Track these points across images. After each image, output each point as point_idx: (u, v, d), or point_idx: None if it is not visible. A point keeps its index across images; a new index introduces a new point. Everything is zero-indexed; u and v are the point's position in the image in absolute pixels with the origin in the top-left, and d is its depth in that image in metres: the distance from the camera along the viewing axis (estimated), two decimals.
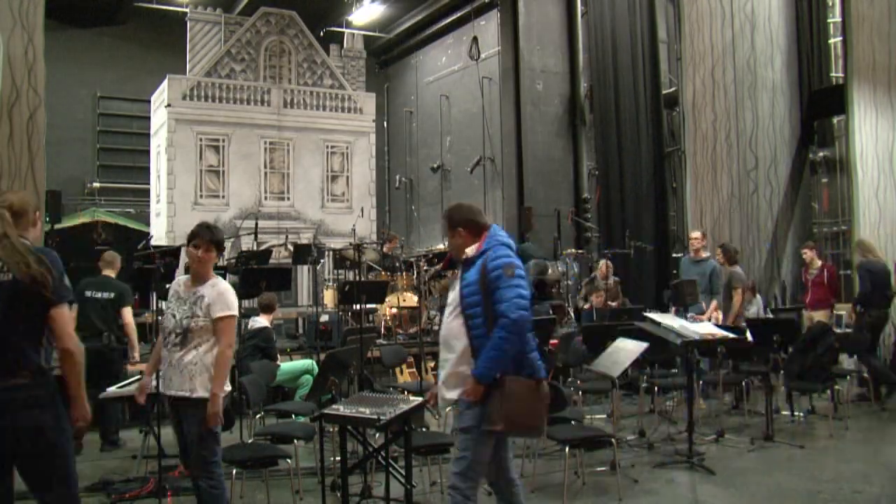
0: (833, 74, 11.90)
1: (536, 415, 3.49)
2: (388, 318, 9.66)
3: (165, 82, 14.25)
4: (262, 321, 7.03)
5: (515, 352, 3.42)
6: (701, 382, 7.51)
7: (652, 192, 12.23)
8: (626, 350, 5.52)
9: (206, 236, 3.88)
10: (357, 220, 14.23)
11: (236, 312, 3.87)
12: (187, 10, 14.68)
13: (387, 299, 9.46)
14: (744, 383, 7.61)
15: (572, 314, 10.74)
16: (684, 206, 11.00)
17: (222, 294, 3.83)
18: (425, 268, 9.70)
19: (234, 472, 4.59)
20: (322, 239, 14.34)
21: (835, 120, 12.08)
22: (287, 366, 7.29)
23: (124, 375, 6.19)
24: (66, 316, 2.95)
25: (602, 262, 9.89)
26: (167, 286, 4.28)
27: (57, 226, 9.13)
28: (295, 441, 4.90)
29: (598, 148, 13.34)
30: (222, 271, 9.36)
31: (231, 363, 3.96)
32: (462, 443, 3.51)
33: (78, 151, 16.53)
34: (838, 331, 8.01)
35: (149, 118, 15.78)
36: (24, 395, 2.85)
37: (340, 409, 3.81)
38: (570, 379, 7.64)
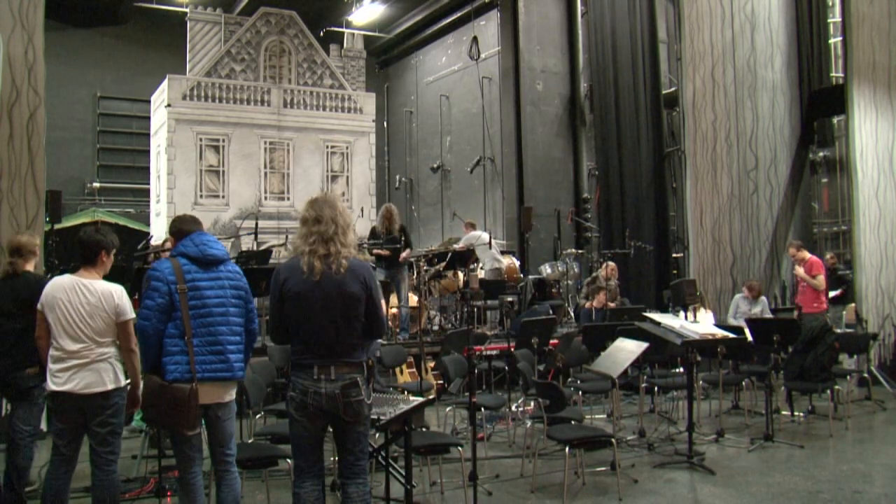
0: (833, 74, 11.91)
1: None
2: (387, 318, 9.64)
3: (165, 82, 14.24)
4: None
5: None
6: (701, 382, 7.52)
7: (652, 192, 12.22)
8: (626, 350, 5.51)
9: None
10: (357, 220, 14.23)
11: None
12: (187, 10, 14.67)
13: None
14: (744, 383, 7.62)
15: (572, 314, 10.75)
16: (684, 206, 10.99)
17: None
18: (425, 268, 9.69)
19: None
20: None
21: (835, 120, 12.09)
22: None
23: None
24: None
25: (607, 264, 9.87)
26: None
27: (57, 226, 9.12)
28: None
29: (598, 148, 13.33)
30: None
31: None
32: None
33: (78, 151, 16.53)
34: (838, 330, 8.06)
35: (149, 118, 15.78)
36: None
37: None
38: (570, 379, 7.64)
